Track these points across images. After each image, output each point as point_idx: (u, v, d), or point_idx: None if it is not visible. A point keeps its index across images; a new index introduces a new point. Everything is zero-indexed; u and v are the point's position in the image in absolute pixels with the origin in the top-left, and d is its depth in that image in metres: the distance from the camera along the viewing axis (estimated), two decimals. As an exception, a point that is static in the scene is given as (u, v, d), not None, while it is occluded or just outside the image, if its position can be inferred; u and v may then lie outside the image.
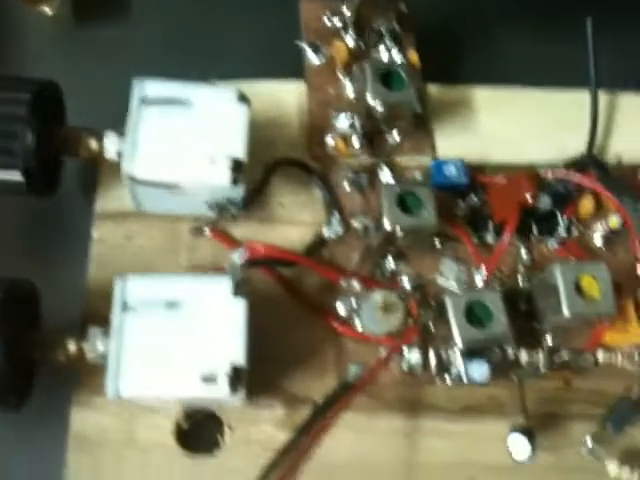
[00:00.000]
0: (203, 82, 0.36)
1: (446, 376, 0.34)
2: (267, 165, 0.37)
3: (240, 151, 0.33)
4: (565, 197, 0.37)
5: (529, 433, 0.32)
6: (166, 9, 0.42)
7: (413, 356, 0.34)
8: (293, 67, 0.40)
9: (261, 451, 0.33)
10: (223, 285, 0.30)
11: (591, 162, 0.37)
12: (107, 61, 0.40)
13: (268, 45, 0.41)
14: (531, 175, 0.36)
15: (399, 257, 0.36)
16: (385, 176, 0.38)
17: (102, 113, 0.36)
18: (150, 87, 0.34)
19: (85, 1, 0.42)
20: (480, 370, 0.32)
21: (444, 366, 0.34)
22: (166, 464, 0.33)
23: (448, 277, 0.36)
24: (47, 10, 0.41)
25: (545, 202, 0.36)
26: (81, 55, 0.41)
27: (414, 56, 0.40)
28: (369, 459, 0.33)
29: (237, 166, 0.33)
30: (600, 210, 0.38)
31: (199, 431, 0.34)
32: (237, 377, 0.29)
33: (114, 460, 0.32)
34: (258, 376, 0.33)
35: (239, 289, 0.30)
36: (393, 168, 0.38)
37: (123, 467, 0.32)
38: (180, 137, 0.33)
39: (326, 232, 0.37)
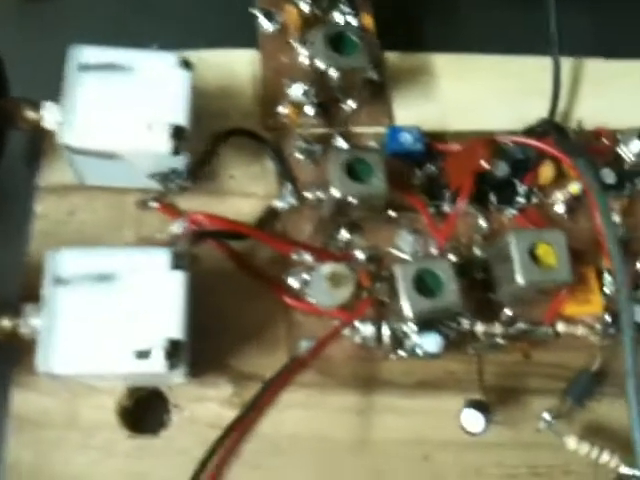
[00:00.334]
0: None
1: (400, 350, 0.32)
2: (215, 135, 0.36)
3: (181, 118, 0.32)
4: (524, 163, 0.36)
5: (483, 407, 0.31)
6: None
7: (366, 329, 0.33)
8: (247, 35, 0.39)
9: (208, 430, 0.31)
10: (161, 258, 0.29)
11: (550, 127, 0.35)
12: (51, 31, 0.39)
13: (221, 12, 0.40)
14: (487, 141, 0.34)
15: (354, 229, 0.35)
16: (340, 145, 0.36)
17: (46, 84, 0.34)
18: (87, 53, 0.32)
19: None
20: (433, 341, 0.31)
21: (398, 340, 0.32)
22: (110, 445, 0.31)
23: (404, 248, 0.35)
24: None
25: (502, 169, 0.35)
26: (24, 25, 0.39)
27: (368, 20, 0.38)
28: (320, 435, 0.32)
29: (178, 133, 0.31)
30: (561, 177, 0.36)
31: (145, 411, 0.32)
32: (175, 352, 0.28)
33: (56, 442, 0.31)
34: (206, 353, 0.32)
35: (178, 262, 0.29)
36: (348, 138, 0.37)
37: (65, 449, 0.31)
38: (119, 104, 0.32)
39: (278, 204, 0.35)
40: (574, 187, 0.35)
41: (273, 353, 0.33)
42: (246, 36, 0.39)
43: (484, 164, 0.33)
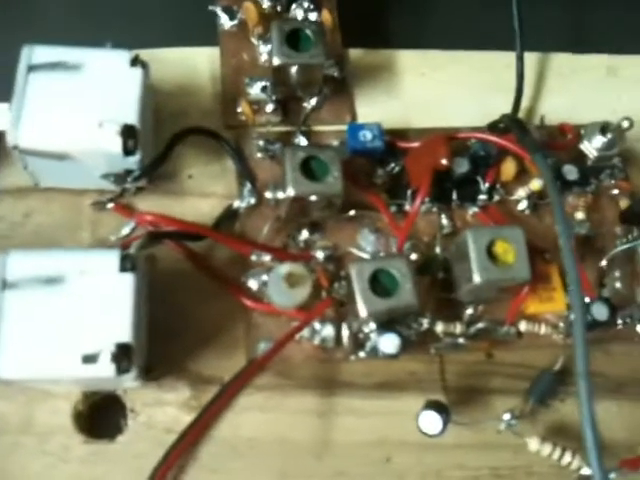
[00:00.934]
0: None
1: (360, 351, 0.32)
2: (173, 134, 0.35)
3: (132, 116, 0.31)
4: (485, 160, 0.35)
5: (442, 409, 0.30)
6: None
7: (326, 330, 0.32)
8: (208, 33, 0.38)
9: (165, 434, 0.31)
10: (110, 260, 0.29)
11: (511, 123, 0.35)
12: (9, 26, 0.38)
13: (181, 10, 0.40)
14: (446, 138, 0.34)
15: (315, 228, 0.34)
16: (301, 144, 0.36)
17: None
18: (39, 53, 0.32)
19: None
20: (390, 342, 0.30)
21: (358, 340, 0.32)
22: (65, 450, 0.31)
23: (365, 248, 0.34)
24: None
25: (463, 166, 0.34)
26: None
27: (327, 16, 0.38)
28: (280, 438, 0.32)
29: (129, 132, 0.31)
30: (523, 174, 0.36)
31: (101, 415, 0.32)
32: (123, 355, 0.27)
33: (11, 447, 0.31)
34: (163, 355, 0.32)
35: (127, 264, 0.28)
36: (310, 136, 0.36)
37: (21, 454, 0.31)
38: (69, 103, 0.31)
39: (237, 203, 0.35)
40: (535, 184, 0.34)
41: (232, 355, 0.32)
42: (206, 33, 0.38)
43: (444, 161, 0.33)
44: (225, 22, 0.38)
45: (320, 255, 0.34)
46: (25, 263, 0.28)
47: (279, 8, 0.39)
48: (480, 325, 0.33)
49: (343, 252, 0.34)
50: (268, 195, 0.34)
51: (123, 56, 0.32)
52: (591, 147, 0.36)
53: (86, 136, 0.31)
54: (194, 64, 0.38)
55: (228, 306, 0.33)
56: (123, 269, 0.28)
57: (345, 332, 0.32)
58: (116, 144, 0.30)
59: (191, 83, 0.37)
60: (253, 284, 0.33)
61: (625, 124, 0.34)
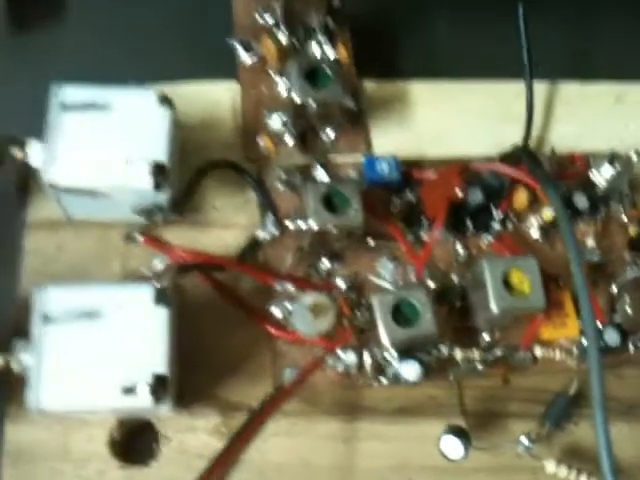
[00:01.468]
0: (131, 85, 0.35)
1: (382, 377, 0.33)
2: (198, 169, 0.37)
3: (162, 154, 0.32)
4: (498, 190, 0.36)
5: (463, 434, 0.31)
6: (95, 9, 0.42)
7: (348, 357, 0.33)
8: (227, 66, 0.40)
9: (197, 460, 0.32)
10: (145, 293, 0.30)
11: (523, 153, 0.36)
12: (36, 65, 0.40)
13: (201, 44, 0.41)
14: (460, 169, 0.35)
15: (334, 257, 0.36)
16: (320, 175, 0.37)
17: (31, 119, 0.35)
18: (69, 92, 0.33)
19: (15, 5, 0.41)
20: (412, 370, 0.31)
21: (380, 367, 0.33)
22: (101, 475, 0.32)
23: (384, 276, 0.36)
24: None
25: (476, 196, 0.36)
26: (9, 59, 0.40)
27: (343, 51, 0.39)
28: (305, 463, 0.33)
29: (159, 170, 0.32)
30: (535, 202, 0.37)
31: (135, 441, 0.33)
32: (160, 386, 0.29)
33: (49, 474, 0.32)
34: (193, 383, 0.33)
35: (161, 297, 0.30)
36: (327, 167, 0.38)
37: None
38: (100, 142, 0.32)
39: (260, 234, 0.36)
40: (547, 213, 0.36)
41: (259, 382, 0.34)
42: (226, 66, 0.40)
43: (458, 192, 0.34)
44: (244, 56, 0.39)
45: (341, 284, 0.35)
46: (64, 298, 0.30)
47: (296, 42, 0.40)
48: (497, 352, 0.34)
49: (363, 280, 0.36)
50: (290, 225, 0.36)
51: (151, 95, 0.33)
52: (600, 177, 0.37)
53: (118, 174, 0.32)
54: (215, 97, 0.39)
55: (254, 334, 0.34)
56: (158, 302, 0.30)
57: (367, 359, 0.33)
58: (147, 181, 0.32)
59: (212, 116, 0.39)
60: (277, 312, 0.34)
61: (634, 157, 0.35)
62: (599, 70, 0.43)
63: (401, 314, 0.32)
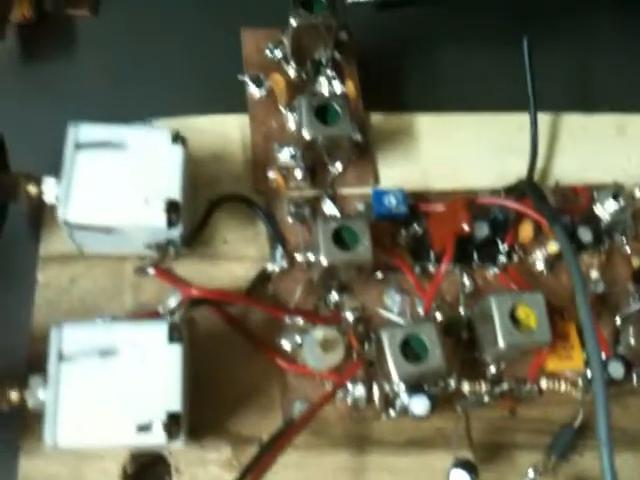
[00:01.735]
0: (146, 123, 0.36)
1: (390, 409, 0.34)
2: (209, 203, 0.37)
3: (175, 192, 0.33)
4: (504, 223, 0.37)
5: (470, 467, 0.32)
6: (108, 46, 0.42)
7: (357, 390, 0.34)
8: (237, 100, 0.41)
9: (208, 493, 0.33)
10: (159, 331, 0.30)
11: (528, 187, 0.37)
12: (50, 101, 0.40)
13: (211, 79, 0.41)
14: (467, 203, 0.36)
15: (343, 289, 0.36)
16: (328, 208, 0.38)
17: (45, 155, 0.36)
18: (84, 131, 0.34)
19: (30, 42, 0.42)
20: (421, 404, 0.32)
21: (388, 400, 0.34)
22: (114, 508, 0.33)
23: (391, 308, 0.36)
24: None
25: (483, 230, 0.36)
26: (23, 96, 0.40)
27: (351, 85, 0.40)
28: (316, 496, 0.34)
29: (172, 207, 0.33)
30: (541, 234, 0.38)
31: (147, 474, 0.34)
32: (174, 424, 0.29)
33: (63, 507, 0.32)
34: (204, 416, 0.33)
35: (175, 335, 0.30)
36: (336, 199, 0.38)
37: (72, 513, 0.32)
38: (115, 180, 0.33)
39: (270, 267, 0.37)
40: (552, 247, 0.36)
41: (269, 415, 0.34)
42: (235, 100, 0.40)
43: (465, 227, 0.35)
44: (254, 91, 0.40)
45: (350, 316, 0.36)
46: (80, 336, 0.30)
47: (304, 76, 0.41)
48: (504, 385, 0.35)
49: (371, 313, 0.36)
50: (299, 258, 0.36)
51: (165, 133, 0.34)
52: (604, 211, 0.38)
53: (132, 211, 0.33)
54: (225, 131, 0.40)
55: (264, 367, 0.35)
56: (171, 340, 0.30)
57: (376, 392, 0.34)
58: (161, 219, 0.32)
59: (223, 150, 0.39)
60: (287, 345, 0.35)
61: (637, 193, 0.36)
62: (601, 102, 0.44)
63: (410, 349, 0.32)
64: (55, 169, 0.34)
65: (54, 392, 0.29)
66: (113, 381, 0.30)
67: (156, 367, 0.30)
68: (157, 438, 0.29)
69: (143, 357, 0.30)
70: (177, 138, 0.34)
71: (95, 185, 0.33)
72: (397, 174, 0.40)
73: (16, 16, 0.41)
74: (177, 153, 0.34)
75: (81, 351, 0.30)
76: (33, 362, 0.33)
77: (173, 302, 0.33)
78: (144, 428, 0.29)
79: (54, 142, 0.35)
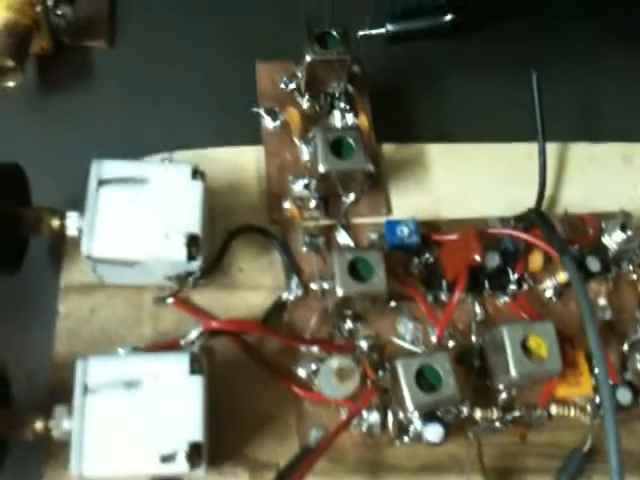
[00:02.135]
0: (166, 157, 0.37)
1: (404, 436, 0.35)
2: (227, 233, 0.38)
3: (195, 226, 0.34)
4: (514, 253, 0.38)
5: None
6: (124, 76, 0.43)
7: (372, 417, 0.35)
8: (252, 132, 0.42)
9: (227, 518, 0.34)
10: (180, 363, 0.31)
11: (537, 217, 0.38)
12: (68, 133, 0.41)
13: (226, 111, 0.42)
14: (479, 234, 0.37)
15: (357, 318, 0.37)
16: (342, 237, 0.39)
17: (64, 187, 0.37)
18: (107, 168, 0.35)
19: (48, 73, 0.43)
20: (435, 432, 0.33)
21: (402, 426, 0.34)
22: (136, 534, 0.33)
23: (405, 337, 0.37)
24: (10, 84, 0.42)
25: (494, 260, 0.37)
26: (41, 127, 0.41)
27: (364, 120, 0.41)
28: (333, 521, 0.34)
29: (193, 241, 0.34)
30: (550, 264, 0.39)
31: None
32: (196, 453, 0.30)
33: (85, 532, 0.33)
34: (222, 442, 0.34)
35: (196, 366, 0.31)
36: (349, 229, 0.39)
37: (94, 539, 0.33)
38: (136, 215, 0.34)
39: (285, 295, 0.38)
40: (562, 276, 0.37)
41: (285, 441, 0.35)
42: (251, 133, 0.41)
43: (477, 258, 0.36)
44: (269, 123, 0.41)
45: (364, 344, 0.37)
46: (104, 369, 0.31)
47: (318, 109, 0.42)
48: (515, 411, 0.36)
49: (385, 341, 0.37)
50: (314, 287, 0.37)
51: (185, 169, 0.35)
52: (612, 241, 0.39)
53: (153, 246, 0.34)
54: (241, 163, 0.41)
55: (280, 394, 0.36)
56: (193, 372, 0.31)
57: (390, 419, 0.35)
58: (182, 253, 0.33)
59: (239, 181, 0.40)
60: (302, 373, 0.36)
61: (645, 224, 0.37)
62: (607, 131, 0.45)
63: (424, 379, 0.33)
64: (74, 201, 0.35)
65: (79, 423, 0.30)
66: (137, 412, 0.31)
67: (178, 398, 0.31)
68: (180, 468, 0.30)
69: (165, 388, 0.31)
70: (196, 173, 0.35)
71: (118, 220, 0.34)
72: (409, 203, 0.41)
73: (35, 48, 0.42)
74: (197, 188, 0.35)
75: (105, 383, 0.31)
76: (55, 391, 0.34)
77: (194, 334, 0.34)
78: (168, 458, 0.30)
79: (72, 174, 0.36)
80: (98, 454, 0.30)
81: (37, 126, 0.41)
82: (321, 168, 0.37)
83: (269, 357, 0.37)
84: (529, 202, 0.41)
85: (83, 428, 0.30)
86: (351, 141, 0.37)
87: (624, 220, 0.39)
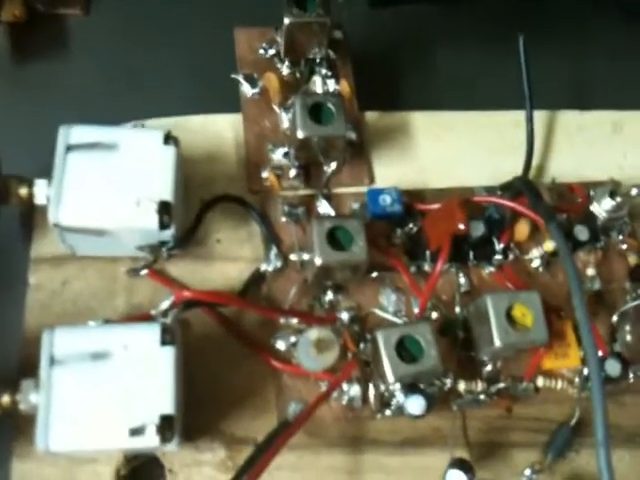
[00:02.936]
0: (138, 124, 0.36)
1: (386, 409, 0.33)
2: (202, 203, 0.37)
3: (167, 193, 0.33)
4: (500, 222, 0.37)
5: (467, 467, 0.32)
6: (99, 45, 0.42)
7: (353, 390, 0.34)
8: (230, 99, 0.40)
9: (203, 495, 0.33)
10: (151, 334, 0.30)
11: (523, 185, 0.37)
12: (42, 102, 0.40)
13: (204, 78, 0.41)
14: (462, 202, 0.35)
15: (338, 289, 0.36)
16: (323, 207, 0.38)
17: (35, 157, 0.36)
18: (76, 133, 0.33)
19: (20, 42, 0.42)
20: (417, 404, 0.32)
21: (384, 399, 0.33)
22: (107, 512, 0.32)
23: (387, 308, 0.36)
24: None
25: (479, 229, 0.36)
26: (15, 97, 0.40)
27: (345, 84, 0.39)
28: (311, 497, 0.33)
29: (164, 208, 0.32)
30: (537, 233, 0.38)
31: (141, 477, 0.33)
32: (167, 427, 0.29)
33: (56, 510, 0.32)
34: (199, 417, 0.33)
35: (167, 337, 0.30)
36: (330, 199, 0.38)
37: (65, 517, 0.32)
38: (106, 182, 0.33)
39: (264, 267, 0.36)
40: (548, 245, 0.36)
41: (264, 416, 0.34)
42: (228, 100, 0.40)
43: (461, 226, 0.35)
44: (247, 90, 0.40)
45: (345, 316, 0.35)
46: (71, 340, 0.30)
47: (298, 75, 0.40)
48: (500, 383, 0.35)
49: (366, 312, 0.36)
50: (293, 258, 0.36)
51: (156, 134, 0.34)
52: (601, 209, 0.38)
53: (124, 214, 0.32)
54: (218, 131, 0.40)
55: (258, 368, 0.35)
56: (164, 343, 0.30)
57: (371, 392, 0.34)
58: (153, 221, 0.32)
59: (216, 150, 0.39)
60: (281, 346, 0.35)
61: (634, 192, 0.36)
62: (596, 99, 0.44)
63: (405, 349, 0.32)
64: (46, 171, 0.33)
65: (46, 396, 0.29)
66: (105, 384, 0.29)
67: (149, 370, 0.30)
68: (150, 441, 0.29)
69: (135, 360, 0.30)
70: (169, 139, 0.34)
71: (86, 187, 0.33)
72: (392, 173, 0.40)
73: (7, 15, 0.41)
74: (169, 154, 0.34)
75: (73, 355, 0.30)
76: (25, 365, 0.33)
77: (166, 304, 0.32)
78: (137, 431, 0.29)
79: (44, 143, 0.34)
80: (64, 428, 0.29)
81: (10, 96, 0.40)
82: (300, 134, 0.36)
83: (247, 330, 0.35)
84: (517, 172, 0.40)
85: (49, 401, 0.29)
86: (331, 106, 0.36)
87: (613, 187, 0.37)
